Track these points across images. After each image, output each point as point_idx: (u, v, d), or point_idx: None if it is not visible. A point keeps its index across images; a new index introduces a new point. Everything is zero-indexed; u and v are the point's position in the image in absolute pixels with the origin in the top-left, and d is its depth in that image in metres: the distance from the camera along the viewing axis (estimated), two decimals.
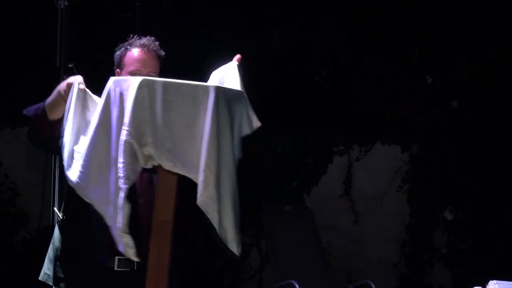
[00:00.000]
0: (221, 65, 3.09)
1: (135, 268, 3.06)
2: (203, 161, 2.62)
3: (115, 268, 3.08)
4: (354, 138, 8.11)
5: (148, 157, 2.65)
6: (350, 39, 7.67)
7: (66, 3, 4.22)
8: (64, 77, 3.75)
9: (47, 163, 3.71)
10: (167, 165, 2.66)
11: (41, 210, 3.96)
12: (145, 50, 3.26)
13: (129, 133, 2.61)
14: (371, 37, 7.82)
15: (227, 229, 2.71)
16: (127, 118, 2.61)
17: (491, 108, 8.11)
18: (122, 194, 2.61)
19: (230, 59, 3.18)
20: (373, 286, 6.32)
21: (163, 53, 3.31)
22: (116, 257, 3.07)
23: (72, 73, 3.70)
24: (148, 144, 2.62)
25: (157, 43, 3.30)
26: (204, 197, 2.64)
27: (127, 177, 2.61)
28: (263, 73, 7.99)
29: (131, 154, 2.62)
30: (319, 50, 7.69)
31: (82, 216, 3.11)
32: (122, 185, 2.61)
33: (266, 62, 7.93)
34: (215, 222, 2.65)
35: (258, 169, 7.71)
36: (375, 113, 8.03)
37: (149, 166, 2.68)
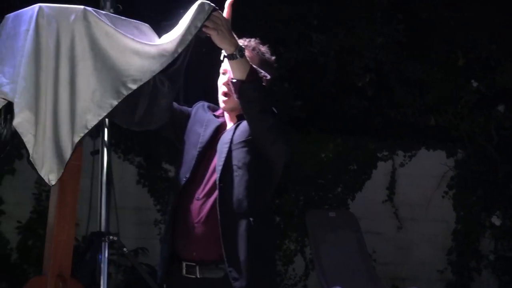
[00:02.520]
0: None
1: (198, 276, 2.94)
2: (21, 82, 2.55)
3: (184, 274, 2.97)
4: (399, 143, 8.06)
5: None
6: (393, 45, 7.65)
7: (111, 11, 4.28)
8: None
9: (94, 169, 3.76)
10: (9, 97, 2.62)
11: (88, 217, 4.00)
12: None
13: None
14: (414, 42, 7.78)
15: (42, 156, 2.57)
16: None
17: None
18: None
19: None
20: None
21: (268, 56, 3.14)
22: (184, 263, 2.98)
23: None
24: None
25: (258, 45, 3.12)
26: (20, 119, 2.55)
27: None
28: (305, 79, 8.00)
29: None
30: (362, 56, 7.68)
31: (167, 221, 3.12)
32: None
33: (308, 69, 7.94)
34: (29, 146, 2.55)
35: (302, 175, 7.71)
36: (419, 119, 7.98)
37: None
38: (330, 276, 6.33)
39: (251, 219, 2.92)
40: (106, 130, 3.49)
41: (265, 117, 2.86)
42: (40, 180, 7.22)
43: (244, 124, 2.98)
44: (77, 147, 2.58)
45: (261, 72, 2.89)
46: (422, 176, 8.08)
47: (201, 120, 3.13)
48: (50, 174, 2.55)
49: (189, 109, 3.22)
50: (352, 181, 7.93)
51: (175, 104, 3.15)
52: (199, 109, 3.20)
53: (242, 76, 2.79)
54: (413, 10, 7.75)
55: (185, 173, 3.03)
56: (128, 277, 6.77)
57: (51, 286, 2.54)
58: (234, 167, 2.95)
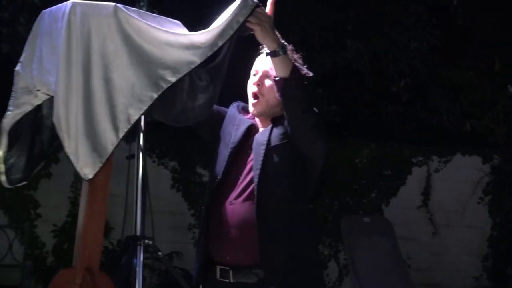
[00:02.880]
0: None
1: (232, 280, 2.88)
2: (57, 79, 2.60)
3: (218, 278, 2.92)
4: (433, 149, 8.00)
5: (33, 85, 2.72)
6: (428, 50, 7.60)
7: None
8: None
9: (129, 173, 3.78)
10: (44, 89, 2.69)
11: (123, 221, 4.02)
12: None
13: (21, 63, 2.77)
14: (450, 47, 7.73)
15: (76, 151, 2.60)
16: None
17: None
18: (4, 120, 2.78)
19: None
20: None
21: (300, 62, 2.98)
22: (218, 267, 2.92)
23: None
24: (30, 72, 2.71)
25: (292, 51, 2.97)
26: (55, 115, 2.59)
27: (12, 105, 2.78)
28: (340, 85, 7.99)
29: (19, 83, 2.76)
30: (397, 61, 7.64)
31: (201, 223, 3.06)
32: (8, 112, 2.79)
33: (343, 74, 7.92)
34: (63, 142, 2.59)
35: (336, 180, 7.69)
36: (455, 124, 7.92)
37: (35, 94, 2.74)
38: (364, 281, 6.30)
39: (290, 223, 2.86)
40: (141, 134, 3.51)
41: (307, 116, 2.82)
42: (75, 184, 7.31)
43: (280, 126, 2.93)
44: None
45: (304, 70, 2.82)
46: (458, 182, 8.01)
47: (233, 120, 3.09)
48: (84, 169, 2.58)
49: (226, 109, 3.19)
50: (387, 187, 7.89)
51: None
52: (233, 109, 3.17)
53: (285, 73, 2.75)
54: (449, 16, 7.69)
55: (217, 174, 2.98)
56: (163, 281, 6.81)
57: (79, 278, 2.55)
58: (272, 170, 2.88)
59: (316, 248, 3.20)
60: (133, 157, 3.81)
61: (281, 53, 2.73)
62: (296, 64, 2.81)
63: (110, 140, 2.58)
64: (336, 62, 7.56)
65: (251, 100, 3.04)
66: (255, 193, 2.85)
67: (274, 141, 2.91)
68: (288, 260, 2.84)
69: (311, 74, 2.84)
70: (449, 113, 7.92)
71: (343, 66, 7.65)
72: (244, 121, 3.07)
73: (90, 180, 2.64)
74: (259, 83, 2.99)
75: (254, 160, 2.91)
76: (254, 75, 3.03)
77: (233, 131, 3.04)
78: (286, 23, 7.35)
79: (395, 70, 7.68)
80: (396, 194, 7.90)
